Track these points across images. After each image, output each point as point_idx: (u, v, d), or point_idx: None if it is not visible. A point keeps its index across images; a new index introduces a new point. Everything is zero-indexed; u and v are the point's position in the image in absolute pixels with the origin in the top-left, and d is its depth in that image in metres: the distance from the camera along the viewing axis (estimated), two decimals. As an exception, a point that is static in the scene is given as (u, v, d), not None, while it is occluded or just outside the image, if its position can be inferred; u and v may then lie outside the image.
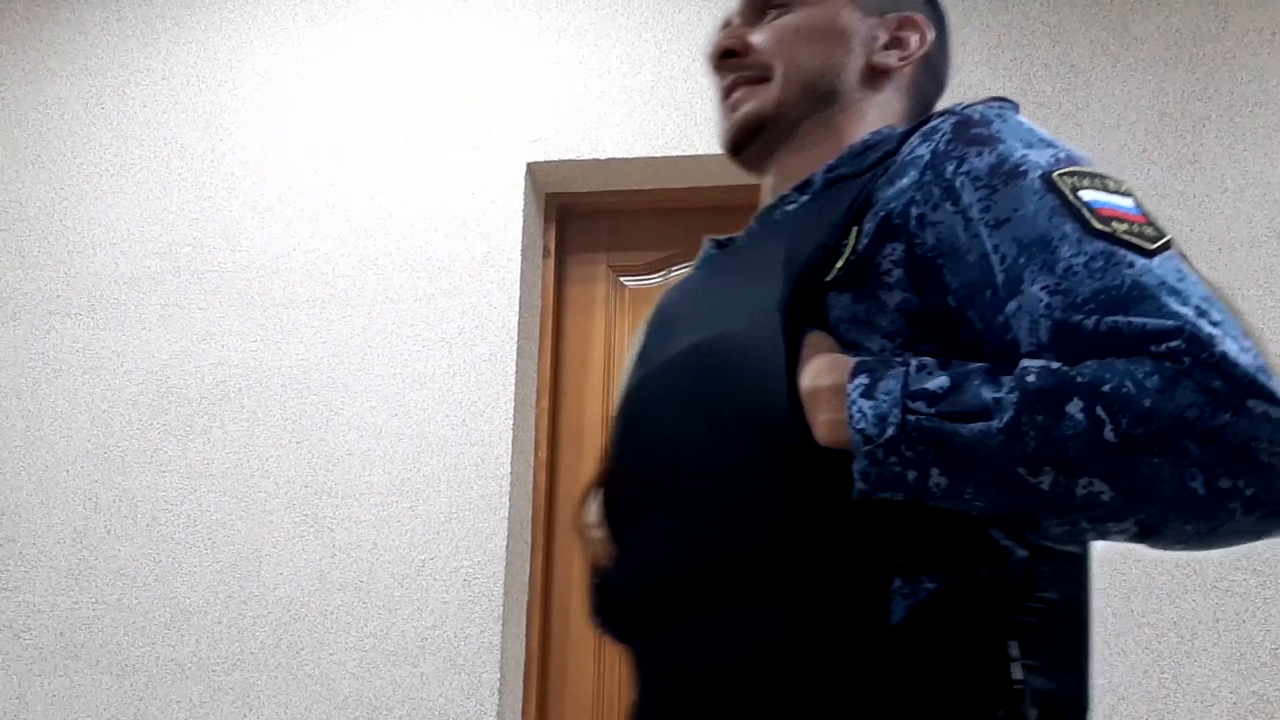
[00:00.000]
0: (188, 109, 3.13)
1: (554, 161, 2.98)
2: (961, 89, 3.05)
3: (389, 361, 2.87)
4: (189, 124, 3.12)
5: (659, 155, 2.87)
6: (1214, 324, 0.94)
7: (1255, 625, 2.53)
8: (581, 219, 3.09)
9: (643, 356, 1.23)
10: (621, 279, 3.05)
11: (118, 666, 2.75)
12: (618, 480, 1.16)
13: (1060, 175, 1.03)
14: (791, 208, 1.19)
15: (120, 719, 2.72)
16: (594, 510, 1.18)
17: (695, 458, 1.06)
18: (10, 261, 3.07)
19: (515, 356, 2.83)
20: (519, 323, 2.86)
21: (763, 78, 1.25)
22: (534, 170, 3.00)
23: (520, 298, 2.88)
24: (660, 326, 1.24)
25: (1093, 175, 1.04)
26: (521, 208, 2.95)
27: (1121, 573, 2.57)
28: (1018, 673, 0.98)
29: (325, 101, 3.09)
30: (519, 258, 2.91)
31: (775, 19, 1.26)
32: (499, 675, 2.64)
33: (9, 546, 2.88)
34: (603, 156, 2.94)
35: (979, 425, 0.93)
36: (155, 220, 3.06)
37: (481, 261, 2.91)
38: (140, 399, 2.93)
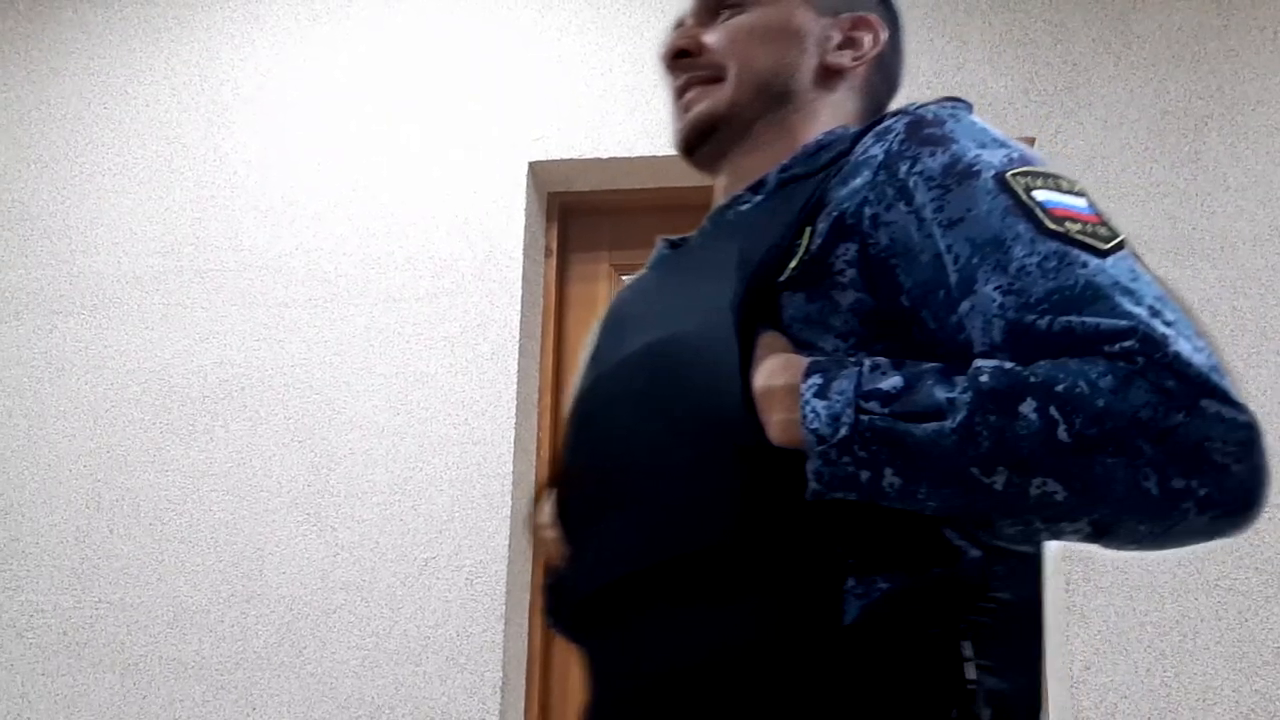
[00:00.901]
0: (190, 108, 3.13)
1: (556, 160, 2.98)
2: (963, 87, 3.07)
3: (391, 360, 2.87)
4: (191, 123, 3.12)
5: (661, 154, 2.87)
6: (1167, 324, 0.94)
7: (1258, 624, 2.53)
8: (584, 218, 3.09)
9: (596, 357, 1.23)
10: (624, 278, 3.05)
11: (120, 666, 2.76)
12: (572, 480, 1.16)
13: (1014, 175, 1.03)
14: (745, 208, 1.19)
15: (123, 718, 2.72)
16: (548, 510, 1.18)
17: (649, 458, 1.06)
18: (13, 260, 3.08)
19: (517, 355, 2.84)
20: (521, 322, 2.86)
21: (716, 78, 1.25)
22: (536, 169, 3.00)
23: (522, 297, 2.88)
24: (614, 326, 1.24)
25: (1046, 175, 1.04)
26: (524, 206, 2.95)
27: (1123, 571, 2.57)
28: (971, 672, 0.98)
29: (327, 101, 3.09)
30: (521, 257, 2.91)
31: (729, 19, 1.26)
32: (501, 674, 2.64)
33: (12, 546, 2.88)
34: (605, 155, 2.95)
35: (932, 425, 0.93)
36: (158, 219, 3.06)
37: (483, 260, 2.91)
38: (143, 398, 2.93)
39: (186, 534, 2.82)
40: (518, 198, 2.96)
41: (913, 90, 3.06)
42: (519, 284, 2.88)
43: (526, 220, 2.95)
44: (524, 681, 2.76)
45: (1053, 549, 1.08)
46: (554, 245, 3.06)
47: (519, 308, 2.86)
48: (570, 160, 2.98)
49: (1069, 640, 2.55)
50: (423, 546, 2.74)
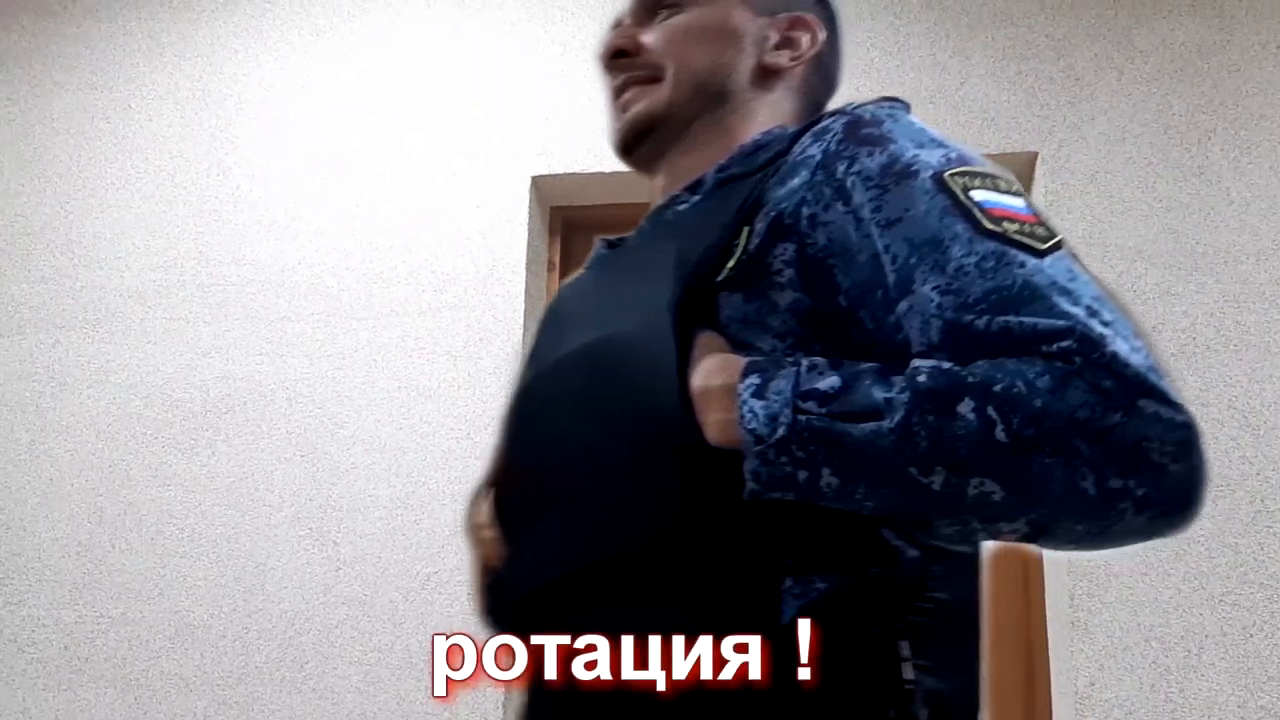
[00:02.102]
0: (193, 123, 3.14)
1: (559, 175, 2.98)
2: (966, 102, 3.07)
3: (394, 375, 2.87)
4: (194, 138, 3.13)
5: (664, 168, 2.87)
6: (1105, 324, 0.94)
7: (1263, 639, 2.52)
8: (586, 232, 3.09)
9: (535, 356, 1.23)
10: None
11: (122, 680, 2.75)
12: (510, 480, 1.16)
13: (951, 175, 1.02)
14: (683, 208, 1.18)
15: (124, 733, 2.71)
16: (485, 510, 1.17)
17: (587, 458, 1.05)
18: (16, 274, 3.08)
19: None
20: (524, 336, 2.86)
21: (654, 78, 1.25)
22: (539, 183, 3.00)
23: (525, 311, 2.88)
24: (553, 326, 1.23)
25: (984, 175, 1.04)
26: (526, 221, 2.95)
27: (1128, 586, 2.56)
28: (909, 673, 0.98)
29: (330, 115, 3.10)
30: (524, 271, 2.91)
31: (666, 19, 1.26)
32: (504, 690, 2.63)
33: (14, 560, 2.88)
34: (608, 170, 2.95)
35: (870, 425, 0.93)
36: (160, 234, 3.06)
37: (486, 275, 2.91)
38: (145, 412, 2.93)
39: (188, 549, 2.82)
40: (520, 212, 2.96)
41: (917, 104, 3.07)
42: (522, 298, 2.88)
43: (529, 234, 2.95)
44: (526, 697, 2.75)
45: (988, 549, 1.08)
46: (557, 259, 3.06)
47: (522, 321, 2.86)
48: (573, 174, 2.98)
49: (1074, 655, 2.54)
50: (425, 561, 2.74)
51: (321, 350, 2.91)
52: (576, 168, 2.97)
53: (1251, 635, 2.53)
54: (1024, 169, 2.90)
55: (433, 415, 2.82)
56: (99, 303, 3.03)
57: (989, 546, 1.09)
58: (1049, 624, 2.71)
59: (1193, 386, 2.63)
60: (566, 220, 3.09)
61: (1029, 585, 2.77)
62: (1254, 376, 2.64)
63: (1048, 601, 2.72)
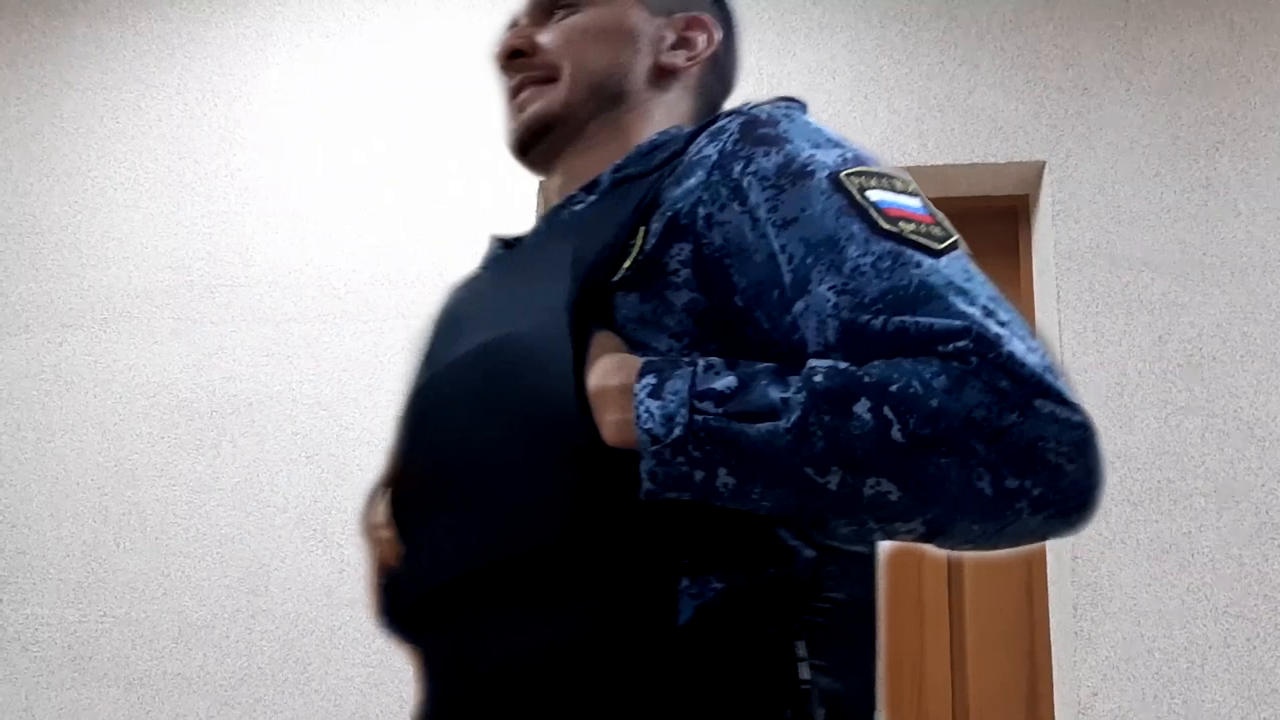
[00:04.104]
0: (202, 124, 3.14)
1: (566, 179, 2.98)
2: (975, 111, 3.07)
3: (400, 377, 2.86)
4: (203, 139, 3.13)
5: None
6: (1001, 324, 0.94)
7: (1266, 651, 2.52)
8: (593, 237, 3.09)
9: (430, 356, 1.22)
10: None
11: (125, 680, 2.75)
12: (406, 480, 1.15)
13: (848, 175, 1.02)
14: (579, 208, 1.18)
15: (127, 733, 2.71)
16: (382, 510, 1.17)
17: (484, 457, 1.05)
18: (24, 273, 3.08)
19: (526, 374, 2.83)
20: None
21: (550, 78, 1.25)
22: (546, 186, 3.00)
23: (531, 315, 2.88)
24: (448, 326, 1.23)
25: (880, 175, 1.04)
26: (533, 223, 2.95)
27: (1131, 598, 2.56)
28: (805, 673, 0.98)
29: (339, 117, 3.10)
30: (531, 275, 2.91)
31: (563, 19, 1.26)
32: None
33: (18, 558, 2.88)
34: (615, 175, 2.95)
35: (766, 425, 0.93)
36: (168, 234, 3.07)
37: (493, 279, 2.91)
38: (151, 413, 2.93)
39: (193, 549, 2.82)
40: (528, 215, 2.96)
41: (926, 113, 3.05)
42: (528, 302, 2.88)
43: (536, 239, 2.95)
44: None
45: (885, 549, 1.08)
46: (563, 264, 3.06)
47: (528, 326, 2.86)
48: (581, 179, 2.98)
49: (1077, 666, 2.54)
50: (429, 564, 2.73)
51: (328, 352, 2.91)
52: (584, 172, 2.97)
53: (1255, 647, 2.52)
54: (1032, 178, 2.90)
55: (438, 418, 2.82)
56: (106, 302, 3.03)
57: (886, 547, 1.08)
58: (1052, 634, 2.71)
59: (1198, 397, 2.63)
60: (574, 225, 3.09)
61: (1032, 596, 2.77)
62: (1260, 388, 2.63)
63: (1051, 612, 2.72)
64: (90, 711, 2.74)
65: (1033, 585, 2.77)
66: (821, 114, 3.29)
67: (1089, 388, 2.68)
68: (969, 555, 2.79)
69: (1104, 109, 2.87)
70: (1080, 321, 2.73)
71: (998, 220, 2.96)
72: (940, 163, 2.86)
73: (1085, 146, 2.84)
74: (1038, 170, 2.87)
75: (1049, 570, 2.74)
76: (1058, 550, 2.67)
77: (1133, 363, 2.69)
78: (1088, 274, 2.75)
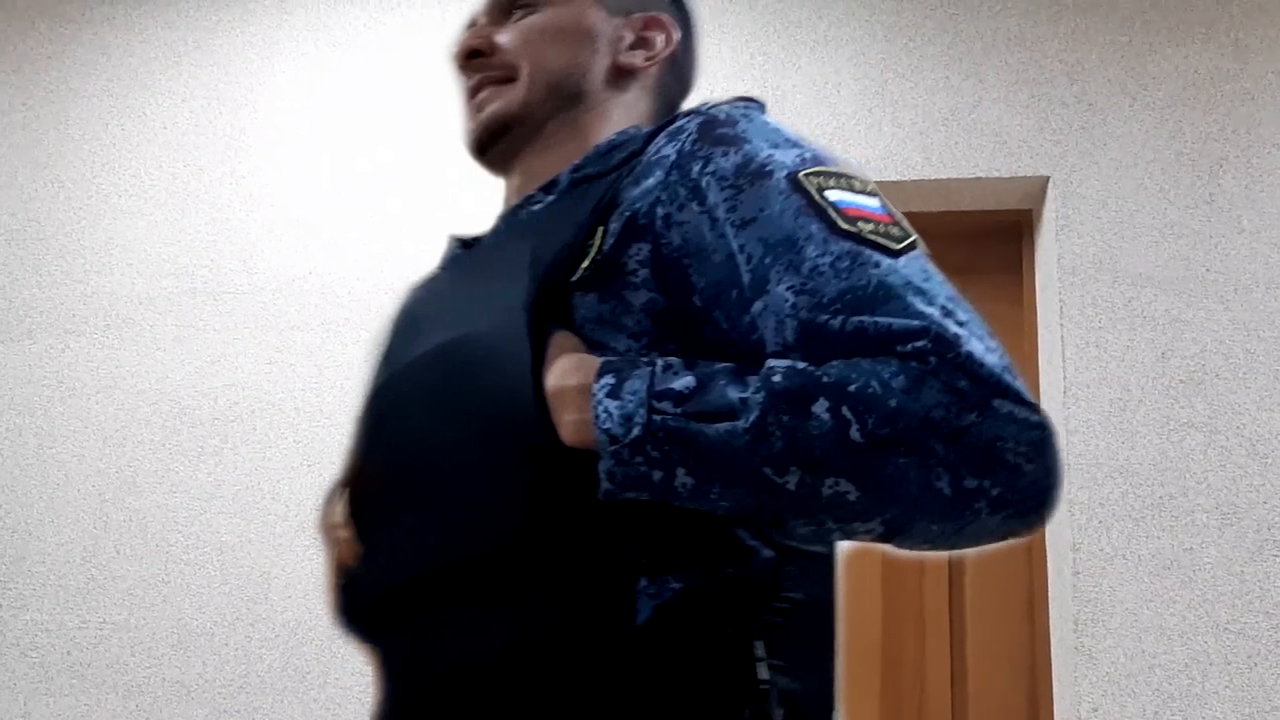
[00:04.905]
0: (207, 131, 3.15)
1: (571, 190, 2.99)
2: (979, 125, 3.07)
3: (402, 386, 2.87)
4: (209, 146, 3.14)
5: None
6: (960, 324, 0.94)
7: (1267, 668, 2.51)
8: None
9: (389, 356, 1.22)
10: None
11: (124, 687, 2.75)
12: (364, 480, 1.15)
13: (806, 175, 1.02)
14: (537, 208, 1.18)
15: (125, 740, 2.71)
16: (340, 510, 1.16)
17: (443, 458, 1.04)
18: (28, 279, 3.09)
19: (528, 384, 2.83)
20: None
21: (508, 78, 1.24)
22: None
23: (534, 325, 2.88)
24: (406, 326, 1.23)
25: (839, 175, 1.04)
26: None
27: (1133, 613, 2.55)
28: (763, 672, 0.98)
29: (343, 126, 3.11)
30: (534, 285, 2.91)
31: (521, 19, 1.26)
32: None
33: (18, 564, 2.88)
34: (619, 186, 2.95)
35: (725, 425, 0.93)
36: (172, 241, 3.07)
37: (496, 288, 2.91)
38: (153, 419, 2.93)
39: (193, 556, 2.82)
40: (532, 226, 2.96)
41: (930, 127, 3.05)
42: (531, 312, 2.88)
43: (540, 249, 2.95)
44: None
45: (843, 549, 1.08)
46: (567, 274, 3.06)
47: (531, 336, 2.86)
48: (585, 190, 2.98)
49: (1078, 682, 2.53)
50: (429, 573, 2.73)
51: (330, 360, 2.91)
52: (588, 183, 2.98)
53: (1256, 664, 2.52)
54: (1036, 193, 2.90)
55: (440, 427, 2.82)
56: (109, 309, 3.03)
57: (842, 547, 1.08)
58: (1053, 650, 2.70)
59: (1200, 413, 2.63)
60: (577, 235, 3.09)
61: (1034, 611, 2.77)
62: (1262, 404, 2.63)
63: (1052, 627, 2.72)
64: (88, 718, 2.74)
65: (1034, 600, 2.77)
66: (826, 127, 3.30)
67: (1092, 403, 2.68)
68: (971, 570, 2.79)
69: (1108, 124, 2.87)
70: (1083, 336, 2.73)
71: (1001, 235, 2.96)
72: (944, 177, 2.86)
73: (1089, 162, 2.85)
74: (1041, 185, 2.87)
75: (1050, 585, 2.74)
76: (1059, 565, 2.67)
77: (1135, 378, 2.69)
78: (1091, 289, 2.75)
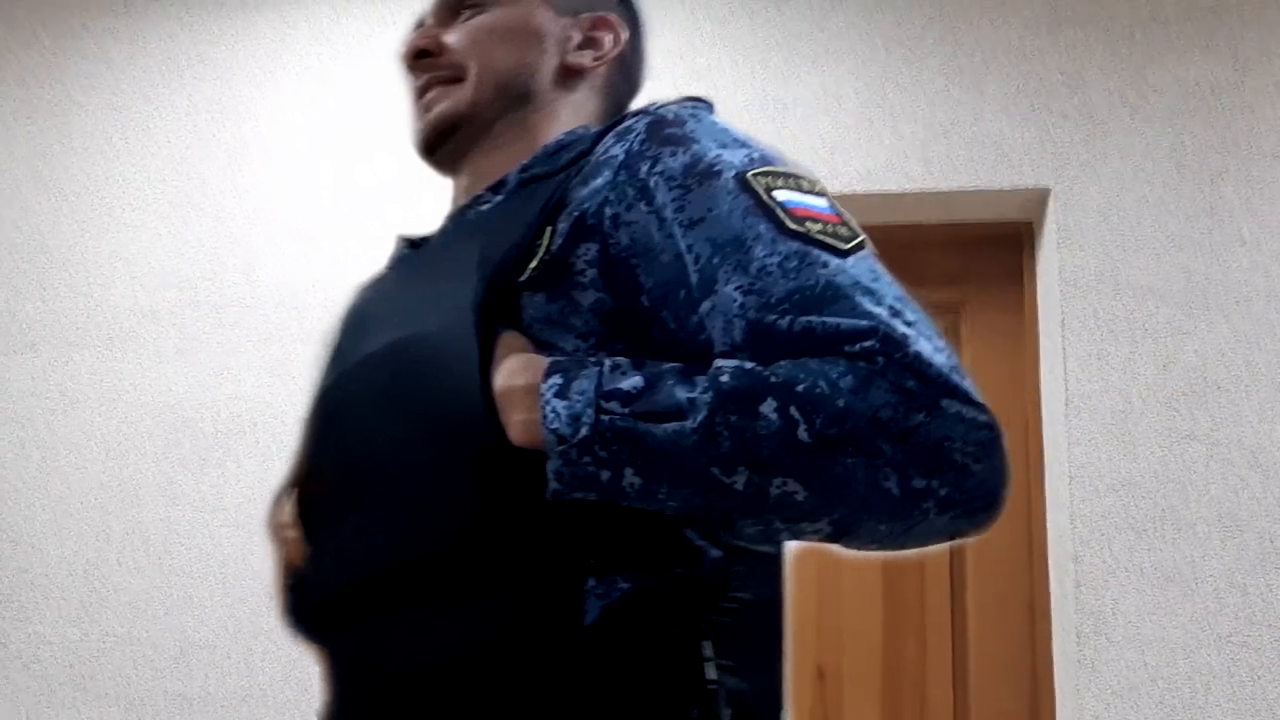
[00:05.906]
0: (210, 143, 3.15)
1: (572, 202, 2.99)
2: (979, 137, 3.07)
3: (404, 398, 2.87)
4: (211, 158, 3.14)
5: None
6: (908, 324, 0.94)
7: (1270, 681, 2.51)
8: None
9: (337, 356, 1.23)
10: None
11: (126, 700, 2.75)
12: (313, 480, 1.15)
13: (754, 175, 1.03)
14: (485, 208, 1.19)
15: (127, 752, 2.71)
16: (288, 510, 1.17)
17: (391, 458, 1.05)
18: (31, 292, 3.09)
19: (530, 396, 2.83)
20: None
21: (456, 78, 1.25)
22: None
23: (536, 337, 2.88)
24: (355, 326, 1.23)
25: (787, 175, 1.04)
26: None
27: (1135, 625, 2.55)
28: (712, 673, 0.98)
29: (346, 138, 3.11)
30: (536, 297, 2.91)
31: (469, 19, 1.27)
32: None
33: (21, 576, 2.88)
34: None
35: (673, 425, 0.93)
36: (175, 253, 3.07)
37: (498, 300, 2.91)
38: (156, 432, 2.93)
39: (195, 568, 2.82)
40: (533, 238, 2.96)
41: (931, 138, 3.06)
42: (533, 324, 2.88)
43: (542, 261, 2.95)
44: None
45: (792, 549, 1.08)
46: (568, 286, 3.06)
47: (532, 348, 2.87)
48: (586, 202, 2.98)
49: (1080, 694, 2.53)
50: (431, 585, 2.73)
51: (332, 373, 2.91)
52: (590, 195, 2.98)
53: (1259, 677, 2.52)
54: (1037, 204, 2.90)
55: (442, 439, 2.82)
56: (112, 321, 3.04)
57: (791, 547, 1.08)
58: (1055, 662, 2.70)
59: (1202, 425, 2.63)
60: (579, 247, 3.09)
61: (1035, 623, 2.77)
62: (1264, 416, 2.63)
63: (1054, 639, 2.71)
64: (91, 730, 2.73)
65: (1035, 612, 2.77)
66: (827, 139, 3.30)
67: (1093, 414, 2.68)
68: (973, 582, 2.79)
69: (1109, 136, 2.88)
70: (1084, 348, 2.73)
71: (1002, 246, 2.96)
72: (945, 188, 2.86)
73: (1090, 173, 2.85)
74: (1042, 196, 2.88)
75: (1052, 597, 2.73)
76: (1061, 577, 2.66)
77: (1137, 390, 2.69)
78: (1092, 300, 2.75)
